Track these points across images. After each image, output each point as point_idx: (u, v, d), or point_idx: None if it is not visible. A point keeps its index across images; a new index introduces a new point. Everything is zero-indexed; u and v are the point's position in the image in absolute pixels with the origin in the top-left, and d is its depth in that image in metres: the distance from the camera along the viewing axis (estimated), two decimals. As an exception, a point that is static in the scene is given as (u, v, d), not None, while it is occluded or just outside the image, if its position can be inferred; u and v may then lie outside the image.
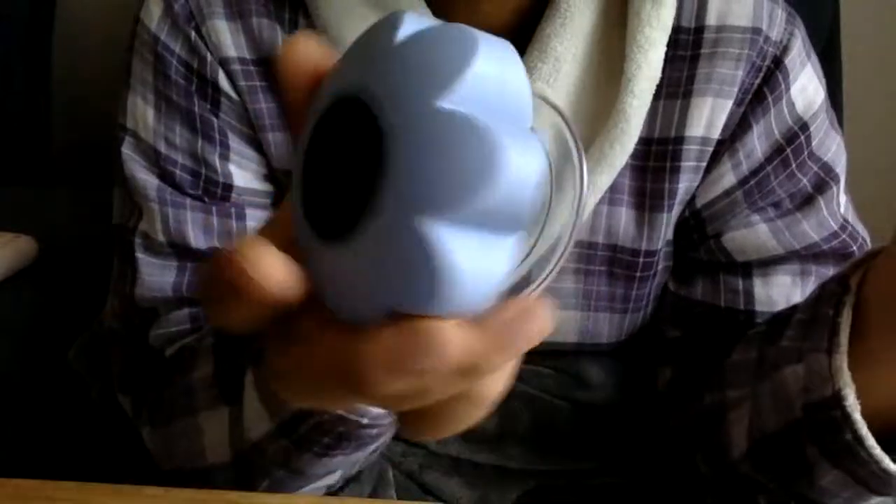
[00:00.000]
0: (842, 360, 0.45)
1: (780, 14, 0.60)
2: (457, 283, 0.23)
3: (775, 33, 0.60)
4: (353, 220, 0.23)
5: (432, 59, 0.24)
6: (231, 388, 0.49)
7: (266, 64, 0.59)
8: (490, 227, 0.23)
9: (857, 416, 0.45)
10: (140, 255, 0.60)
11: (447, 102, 0.23)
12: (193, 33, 0.59)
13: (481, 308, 0.24)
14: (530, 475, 0.66)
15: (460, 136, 0.23)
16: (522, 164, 0.23)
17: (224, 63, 0.59)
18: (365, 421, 0.44)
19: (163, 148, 0.60)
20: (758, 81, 0.59)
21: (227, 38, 0.59)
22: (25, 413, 0.71)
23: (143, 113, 0.60)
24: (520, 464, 0.65)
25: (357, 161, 0.24)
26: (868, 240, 0.63)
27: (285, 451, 0.47)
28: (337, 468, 0.50)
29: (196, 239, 0.59)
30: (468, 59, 0.23)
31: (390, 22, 0.26)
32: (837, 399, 0.45)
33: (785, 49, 0.60)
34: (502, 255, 0.24)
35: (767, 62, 0.59)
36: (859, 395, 0.45)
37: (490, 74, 0.24)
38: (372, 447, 0.48)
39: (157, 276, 0.59)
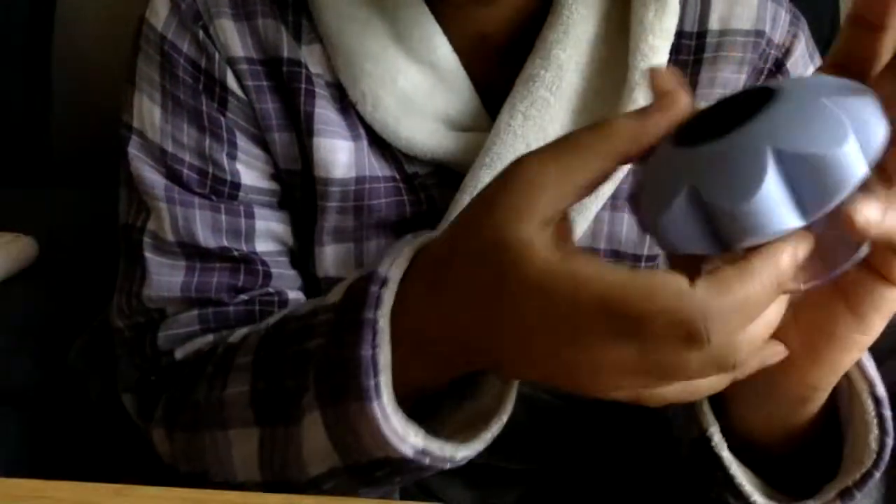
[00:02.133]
0: (701, 402, 0.46)
1: (784, 16, 0.60)
2: (760, 209, 0.32)
3: (778, 36, 0.59)
4: (747, 116, 0.33)
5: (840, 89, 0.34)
6: (269, 410, 0.49)
7: (272, 64, 0.59)
8: (800, 192, 0.32)
9: (725, 453, 0.46)
10: (149, 254, 0.59)
11: (831, 103, 0.32)
12: (201, 32, 0.59)
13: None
14: (530, 476, 0.66)
15: (825, 118, 0.32)
16: (852, 160, 0.32)
17: (232, 62, 0.59)
18: (448, 465, 0.44)
19: (170, 147, 0.60)
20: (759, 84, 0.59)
21: (235, 37, 0.59)
22: (26, 413, 0.71)
23: (149, 112, 0.60)
24: (520, 465, 0.65)
25: (743, 110, 0.33)
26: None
27: (345, 486, 0.47)
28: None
29: (205, 238, 0.59)
30: (872, 108, 0.33)
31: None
32: (705, 440, 0.46)
33: (787, 52, 0.60)
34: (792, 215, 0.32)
35: (769, 65, 0.59)
36: (738, 430, 0.46)
37: (868, 124, 0.32)
38: None
39: (166, 276, 0.59)
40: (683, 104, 0.37)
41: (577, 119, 0.57)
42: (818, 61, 0.63)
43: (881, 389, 0.45)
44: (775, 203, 0.32)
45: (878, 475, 0.44)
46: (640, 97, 0.56)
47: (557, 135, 0.57)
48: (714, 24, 0.59)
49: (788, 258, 0.34)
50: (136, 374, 0.60)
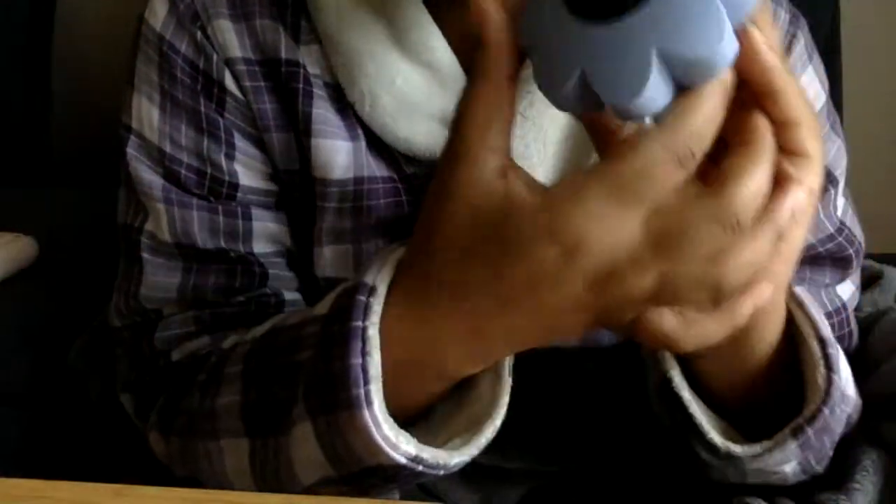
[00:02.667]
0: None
1: (784, 16, 0.60)
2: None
3: (777, 35, 0.59)
4: (633, 4, 0.34)
5: None
6: (259, 422, 0.49)
7: (270, 65, 0.59)
8: (679, 83, 0.35)
9: (685, 393, 0.48)
10: (146, 255, 0.59)
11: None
12: (199, 33, 0.59)
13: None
14: (532, 476, 0.66)
15: (707, 16, 0.34)
16: (727, 51, 0.35)
17: (230, 63, 0.59)
18: (442, 472, 0.44)
19: (168, 148, 0.60)
20: None
21: (233, 38, 0.59)
22: (25, 413, 0.71)
23: (148, 113, 0.60)
24: (521, 465, 0.65)
25: None
26: (863, 244, 0.63)
27: (342, 492, 0.47)
28: None
29: (202, 239, 0.59)
30: None
31: None
32: (667, 382, 0.48)
33: (786, 51, 0.60)
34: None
35: None
36: (705, 384, 0.48)
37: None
38: None
39: (163, 276, 0.59)
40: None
41: (575, 119, 0.57)
42: (817, 61, 0.63)
43: (825, 331, 0.47)
44: (656, 98, 0.35)
45: (826, 412, 0.46)
46: None
47: (556, 135, 0.58)
48: None
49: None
50: (133, 375, 0.60)
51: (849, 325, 0.64)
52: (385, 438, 0.42)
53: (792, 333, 0.48)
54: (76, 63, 1.02)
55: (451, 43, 0.57)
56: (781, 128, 0.38)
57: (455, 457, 0.44)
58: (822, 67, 0.63)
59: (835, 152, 0.62)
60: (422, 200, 0.60)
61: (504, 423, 0.50)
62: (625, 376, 0.65)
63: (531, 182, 0.39)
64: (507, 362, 0.45)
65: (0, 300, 0.77)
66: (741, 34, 0.35)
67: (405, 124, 0.57)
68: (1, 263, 0.78)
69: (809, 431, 0.46)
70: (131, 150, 0.60)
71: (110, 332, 0.63)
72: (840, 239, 0.62)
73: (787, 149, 0.38)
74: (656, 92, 0.35)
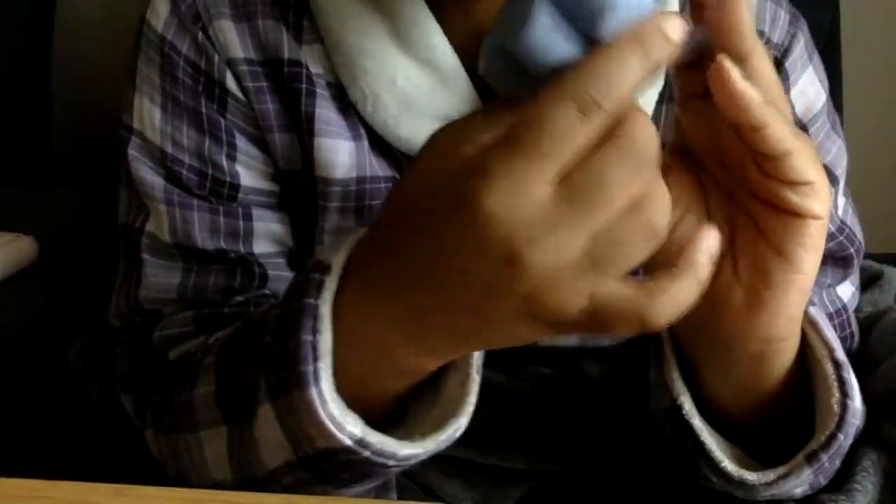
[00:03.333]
0: (670, 371, 0.47)
1: (784, 16, 0.60)
2: (536, 47, 0.34)
3: (777, 36, 0.59)
4: None
5: None
6: (232, 409, 0.48)
7: (272, 65, 0.59)
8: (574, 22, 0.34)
9: (696, 421, 0.46)
10: (146, 255, 0.60)
11: None
12: (200, 34, 0.59)
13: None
14: (531, 476, 0.66)
15: None
16: None
17: (231, 63, 0.59)
18: (392, 463, 0.43)
19: (170, 148, 0.60)
20: None
21: (234, 38, 0.59)
22: (25, 413, 0.71)
23: (149, 113, 0.60)
24: (521, 464, 0.65)
25: None
26: (863, 244, 0.63)
27: (303, 482, 0.46)
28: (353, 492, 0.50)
29: (202, 240, 0.59)
30: None
31: None
32: (677, 408, 0.46)
33: (786, 52, 0.60)
34: None
35: None
36: (713, 404, 0.47)
37: None
38: (390, 477, 0.47)
39: (163, 277, 0.59)
40: None
41: None
42: (817, 61, 0.63)
43: (840, 354, 0.46)
44: (551, 43, 0.34)
45: (842, 438, 0.45)
46: (642, 97, 0.56)
47: None
48: None
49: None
50: (133, 375, 0.60)
51: (850, 326, 0.64)
52: (330, 417, 0.41)
53: (804, 354, 0.47)
54: (76, 63, 1.01)
55: (452, 41, 0.57)
56: (775, 161, 0.38)
57: (406, 447, 0.42)
58: (822, 67, 0.63)
59: (835, 152, 0.62)
60: None
61: (503, 423, 0.50)
62: (625, 376, 0.65)
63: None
64: (476, 360, 0.44)
65: (0, 300, 0.77)
66: (716, 69, 0.36)
67: (407, 124, 0.57)
68: (1, 263, 0.78)
69: (824, 457, 0.45)
70: (132, 151, 0.60)
71: (110, 332, 0.63)
72: (841, 238, 0.62)
73: (787, 180, 0.38)
74: (548, 35, 0.34)
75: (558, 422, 0.64)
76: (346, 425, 0.41)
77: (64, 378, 0.73)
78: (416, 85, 0.57)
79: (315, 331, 0.41)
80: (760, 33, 0.59)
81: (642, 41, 0.33)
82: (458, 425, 0.43)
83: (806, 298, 0.42)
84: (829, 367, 0.45)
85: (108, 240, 0.65)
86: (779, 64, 0.59)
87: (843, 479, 0.53)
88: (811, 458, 0.45)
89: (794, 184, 0.38)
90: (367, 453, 0.42)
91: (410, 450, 0.42)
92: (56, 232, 0.85)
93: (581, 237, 0.33)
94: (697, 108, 0.41)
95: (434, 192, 0.36)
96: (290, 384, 0.42)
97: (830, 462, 0.46)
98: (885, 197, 1.06)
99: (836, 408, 0.45)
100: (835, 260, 0.62)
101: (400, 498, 0.61)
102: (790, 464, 0.46)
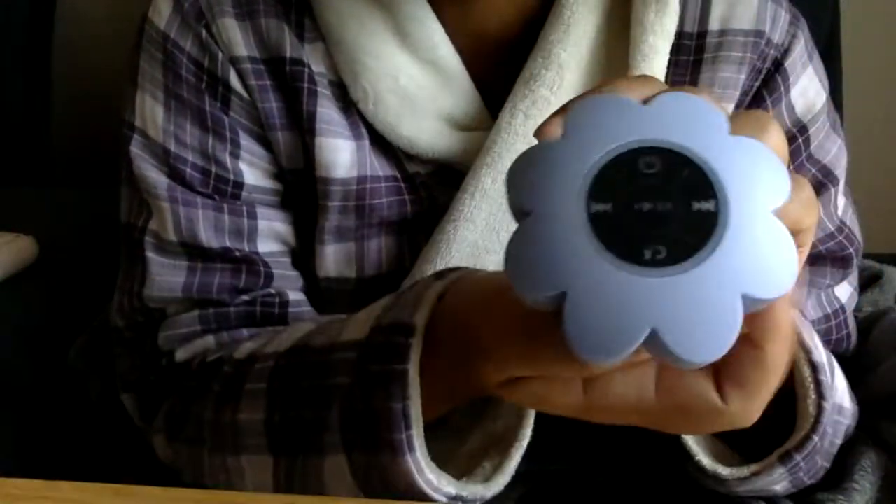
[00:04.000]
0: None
1: (784, 16, 0.60)
2: (795, 258, 0.29)
3: (777, 36, 0.59)
4: (701, 241, 0.29)
5: (765, 168, 0.30)
6: (286, 441, 0.48)
7: (274, 64, 0.59)
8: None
9: None
10: (150, 254, 0.59)
11: (776, 213, 0.29)
12: (204, 31, 0.59)
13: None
14: (531, 476, 0.66)
15: (780, 240, 0.29)
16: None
17: (234, 62, 0.59)
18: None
19: (173, 146, 0.59)
20: (757, 84, 0.59)
21: (238, 36, 0.59)
22: (25, 413, 0.71)
23: (152, 111, 0.60)
24: (521, 465, 0.65)
25: (682, 195, 0.29)
26: (862, 244, 0.63)
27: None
28: None
29: (207, 238, 0.59)
30: (787, 179, 0.30)
31: (719, 116, 0.31)
32: None
33: (786, 52, 0.60)
34: None
35: (767, 65, 0.59)
36: None
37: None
38: None
39: (168, 276, 0.59)
40: None
41: None
42: (817, 61, 0.63)
43: (818, 356, 0.46)
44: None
45: (816, 439, 0.46)
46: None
47: None
48: (714, 24, 0.59)
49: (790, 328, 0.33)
50: (135, 374, 0.60)
51: (847, 327, 0.63)
52: (428, 483, 0.42)
53: None
54: (76, 63, 1.02)
55: (453, 41, 0.57)
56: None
57: (492, 488, 0.44)
58: (822, 67, 0.63)
59: (835, 151, 0.62)
60: (424, 200, 0.60)
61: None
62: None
63: None
64: None
65: (0, 300, 0.77)
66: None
67: (408, 123, 0.57)
68: (1, 263, 0.78)
69: (798, 457, 0.46)
70: (135, 149, 0.60)
71: (111, 332, 0.63)
72: (840, 238, 0.61)
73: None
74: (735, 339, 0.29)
75: (558, 422, 0.64)
76: (443, 487, 0.43)
77: (64, 378, 0.73)
78: (417, 84, 0.57)
79: (405, 398, 0.42)
80: (761, 33, 0.59)
81: None
82: (522, 448, 0.46)
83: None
84: (807, 370, 0.46)
85: (108, 240, 0.65)
86: (779, 64, 0.59)
87: (841, 479, 0.54)
88: (784, 458, 0.46)
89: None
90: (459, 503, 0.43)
91: (495, 488, 0.45)
92: (56, 232, 0.85)
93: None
94: None
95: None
96: (375, 446, 0.43)
97: (808, 461, 0.47)
98: (885, 197, 1.06)
99: (811, 409, 0.46)
100: (834, 260, 0.62)
101: (400, 498, 0.61)
102: (763, 462, 0.47)
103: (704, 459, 0.47)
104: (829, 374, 0.46)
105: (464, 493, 0.43)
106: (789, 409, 0.47)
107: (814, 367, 0.46)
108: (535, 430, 0.64)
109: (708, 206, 0.29)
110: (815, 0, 0.84)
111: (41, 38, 0.99)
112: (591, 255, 0.29)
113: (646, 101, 0.31)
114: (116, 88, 0.63)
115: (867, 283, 0.74)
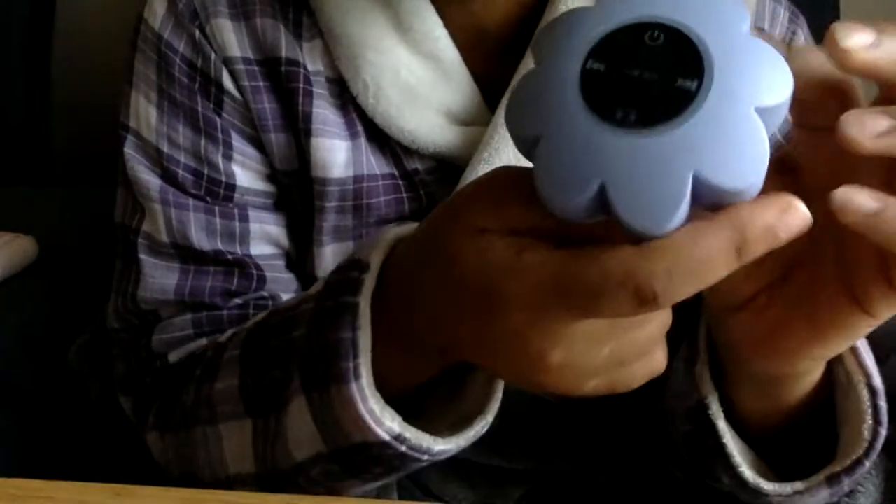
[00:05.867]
0: (702, 369, 0.46)
1: (783, 13, 0.60)
2: (764, 161, 0.30)
3: (777, 33, 0.59)
4: (671, 114, 0.30)
5: (764, 67, 0.30)
6: (259, 402, 0.49)
7: (269, 64, 0.59)
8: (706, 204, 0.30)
9: (721, 423, 0.46)
10: (143, 255, 0.59)
11: (759, 110, 0.30)
12: (198, 32, 0.59)
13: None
14: (531, 476, 0.66)
15: (750, 143, 0.30)
16: (761, 179, 0.30)
17: (228, 62, 0.59)
18: (425, 458, 0.44)
19: (165, 147, 0.59)
20: None
21: (232, 37, 0.58)
22: (25, 413, 0.71)
23: (145, 112, 0.60)
24: (521, 465, 0.65)
25: (670, 67, 0.30)
26: None
27: (330, 474, 0.47)
28: (370, 487, 0.50)
29: (199, 240, 0.59)
30: (786, 85, 0.30)
31: (743, 15, 0.32)
32: (703, 407, 0.46)
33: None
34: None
35: None
36: (738, 413, 0.46)
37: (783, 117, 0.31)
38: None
39: (160, 277, 0.59)
40: None
41: None
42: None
43: (877, 380, 0.45)
44: (682, 221, 0.30)
45: (867, 464, 0.45)
46: None
47: None
48: None
49: (751, 224, 0.30)
50: (131, 377, 0.60)
51: None
52: (370, 412, 0.42)
53: (837, 374, 0.46)
54: (76, 63, 1.01)
55: (452, 35, 0.57)
56: None
57: (440, 443, 0.43)
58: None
59: None
60: (423, 197, 0.60)
61: (504, 423, 0.49)
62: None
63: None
64: None
65: (0, 300, 0.77)
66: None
67: (410, 116, 0.57)
68: (1, 263, 0.78)
69: (845, 480, 0.45)
70: (129, 150, 0.60)
71: (108, 333, 0.63)
72: None
73: None
74: (681, 217, 0.30)
75: (558, 422, 0.64)
76: (385, 421, 0.42)
77: (64, 378, 0.73)
78: (418, 77, 0.57)
79: (355, 328, 0.42)
80: (760, 31, 0.59)
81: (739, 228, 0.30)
82: (486, 422, 0.44)
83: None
84: (865, 394, 0.44)
85: (108, 240, 0.65)
86: None
87: None
88: (832, 480, 0.45)
89: None
90: (403, 448, 0.43)
91: (443, 446, 0.43)
92: (56, 232, 0.85)
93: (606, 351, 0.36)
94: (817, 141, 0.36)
95: (472, 275, 0.35)
96: (327, 379, 0.43)
97: (850, 484, 0.45)
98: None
99: (866, 434, 0.44)
100: None
101: (400, 498, 0.61)
102: (809, 481, 0.45)
103: (747, 472, 0.46)
104: (885, 399, 0.45)
105: (408, 435, 0.43)
106: (829, 428, 0.46)
107: (872, 392, 0.44)
108: (534, 431, 0.64)
109: (690, 85, 0.30)
110: (815, 0, 0.84)
111: (41, 38, 0.99)
112: (568, 105, 0.31)
113: None
114: (116, 88, 0.63)
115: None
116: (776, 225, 0.30)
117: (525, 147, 0.32)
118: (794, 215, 0.30)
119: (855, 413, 0.45)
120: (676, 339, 0.50)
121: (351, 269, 0.43)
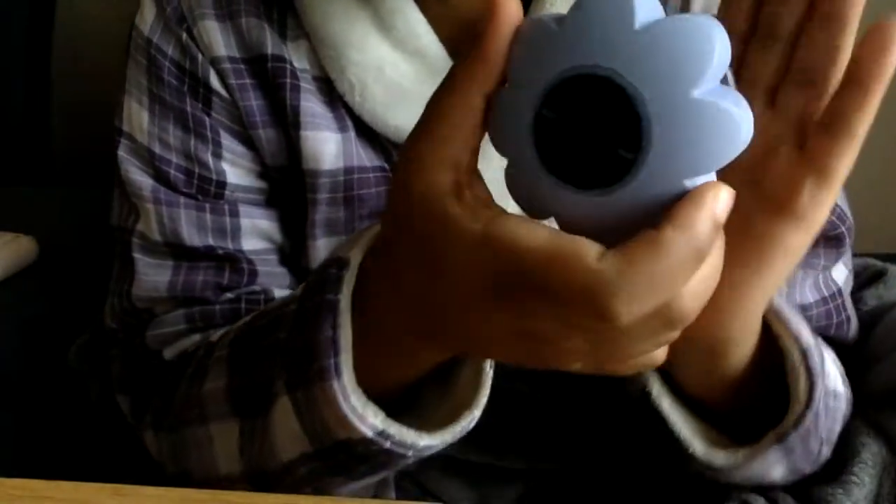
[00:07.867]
0: None
1: None
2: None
3: None
4: (615, 177, 0.31)
5: (679, 50, 0.31)
6: (245, 403, 0.49)
7: (256, 62, 0.59)
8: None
9: (664, 405, 0.47)
10: (137, 255, 0.60)
11: (699, 93, 0.31)
12: (185, 35, 0.59)
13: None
14: (529, 475, 0.66)
15: (713, 119, 0.31)
16: (749, 125, 0.32)
17: (215, 62, 0.59)
18: (410, 453, 0.44)
19: (157, 149, 0.60)
20: None
21: (218, 37, 0.59)
22: (25, 413, 0.71)
23: (138, 116, 0.61)
24: (519, 464, 0.65)
25: (613, 132, 0.31)
26: (853, 224, 0.63)
27: (317, 474, 0.47)
28: (360, 486, 0.50)
29: (190, 236, 0.59)
30: (711, 52, 0.31)
31: (628, 7, 0.31)
32: (646, 395, 0.47)
33: None
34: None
35: None
36: (685, 389, 0.47)
37: (723, 61, 0.31)
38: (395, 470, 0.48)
39: (153, 276, 0.60)
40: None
41: None
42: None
43: (805, 339, 0.46)
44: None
45: (810, 418, 0.46)
46: None
47: None
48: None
49: (706, 226, 0.31)
50: (128, 375, 0.61)
51: (845, 310, 0.63)
52: (353, 409, 0.42)
53: (772, 340, 0.47)
54: (76, 63, 1.01)
55: (437, 31, 0.57)
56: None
57: (425, 438, 0.43)
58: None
59: None
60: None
61: (501, 423, 0.50)
62: (624, 376, 0.65)
63: (484, 204, 0.35)
64: None
65: (0, 300, 0.77)
66: None
67: (395, 112, 0.57)
68: (1, 263, 0.78)
69: (793, 437, 0.46)
70: (122, 153, 0.61)
71: (106, 334, 0.63)
72: (832, 217, 0.61)
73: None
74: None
75: (556, 421, 0.64)
76: (368, 417, 0.42)
77: (64, 378, 0.73)
78: (402, 73, 0.57)
79: (335, 326, 0.42)
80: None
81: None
82: (473, 417, 0.44)
83: (765, 303, 0.42)
84: (796, 355, 0.46)
85: (107, 240, 0.65)
86: None
87: (840, 472, 0.54)
88: (780, 438, 0.46)
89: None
90: (387, 444, 0.43)
91: (428, 441, 0.43)
92: (56, 232, 0.85)
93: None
94: None
95: (454, 240, 0.35)
96: (310, 378, 0.43)
97: (803, 443, 0.47)
98: (885, 197, 1.06)
99: (802, 388, 0.46)
100: (827, 239, 0.62)
101: (399, 498, 0.61)
102: (757, 445, 0.46)
103: (698, 447, 0.47)
104: (817, 357, 0.46)
105: (391, 430, 0.43)
106: (782, 398, 0.47)
107: (803, 353, 0.46)
108: (530, 430, 0.64)
109: (628, 155, 0.31)
110: None
111: (41, 38, 0.99)
112: (524, 148, 0.33)
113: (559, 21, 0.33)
114: (116, 89, 0.64)
115: (871, 279, 0.74)
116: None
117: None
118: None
119: (792, 374, 0.46)
120: None
121: (331, 267, 0.43)
